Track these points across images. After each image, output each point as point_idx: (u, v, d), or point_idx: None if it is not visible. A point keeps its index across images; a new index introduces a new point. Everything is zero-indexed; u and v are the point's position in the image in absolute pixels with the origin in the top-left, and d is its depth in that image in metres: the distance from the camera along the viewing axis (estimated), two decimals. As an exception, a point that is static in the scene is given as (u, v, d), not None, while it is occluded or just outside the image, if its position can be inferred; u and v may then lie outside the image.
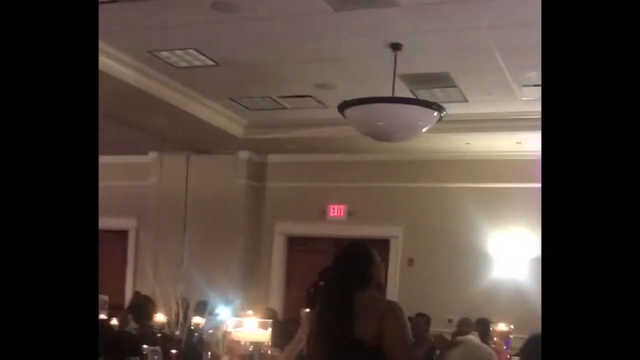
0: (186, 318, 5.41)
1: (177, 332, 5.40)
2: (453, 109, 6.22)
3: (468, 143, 8.28)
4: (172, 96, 7.08)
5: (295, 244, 9.99)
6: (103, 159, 9.36)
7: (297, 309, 8.97)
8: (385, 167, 9.19)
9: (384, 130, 5.68)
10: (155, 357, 4.84)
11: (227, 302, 8.77)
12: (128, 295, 9.70)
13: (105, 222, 11.02)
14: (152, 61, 6.32)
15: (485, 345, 2.43)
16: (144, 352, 4.95)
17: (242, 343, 1.62)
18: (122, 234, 10.65)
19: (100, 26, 4.75)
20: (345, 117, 5.71)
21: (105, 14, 5.24)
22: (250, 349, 1.56)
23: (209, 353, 3.79)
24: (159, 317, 5.19)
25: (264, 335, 1.63)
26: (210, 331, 5.07)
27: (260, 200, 9.92)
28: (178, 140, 8.97)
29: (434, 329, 7.74)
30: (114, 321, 7.37)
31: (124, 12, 5.23)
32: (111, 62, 6.13)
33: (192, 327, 5.41)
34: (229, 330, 1.67)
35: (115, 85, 6.44)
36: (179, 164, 9.75)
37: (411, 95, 6.67)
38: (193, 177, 9.72)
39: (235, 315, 8.49)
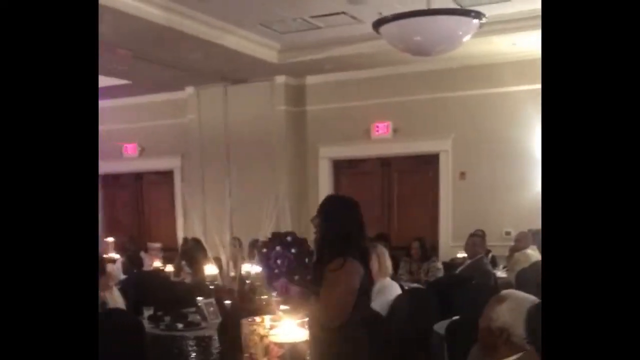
0: (237, 265, 5.39)
1: (232, 273, 5.40)
2: (494, 10, 5.89)
3: (514, 44, 7.91)
4: (202, 30, 6.94)
5: (340, 167, 9.86)
6: (141, 99, 9.44)
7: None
8: (429, 77, 8.83)
9: (423, 45, 5.43)
10: (211, 309, 4.87)
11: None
12: (181, 238, 9.79)
13: (151, 163, 11.25)
14: (178, -4, 6.13)
15: (531, 297, 2.32)
16: (199, 305, 5.00)
17: (280, 344, 1.50)
18: (168, 175, 10.69)
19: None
20: (380, 34, 5.46)
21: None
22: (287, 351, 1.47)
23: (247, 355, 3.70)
24: (211, 270, 5.17)
25: (303, 336, 1.50)
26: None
27: (302, 126, 9.73)
28: (213, 73, 8.82)
29: (492, 243, 7.65)
30: (169, 268, 7.50)
31: None
32: (137, 3, 6.04)
33: (244, 274, 5.40)
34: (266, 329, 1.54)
35: (143, 26, 6.40)
36: (216, 97, 9.60)
37: (449, 4, 6.33)
38: (231, 108, 9.57)
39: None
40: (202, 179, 9.82)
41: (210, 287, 5.22)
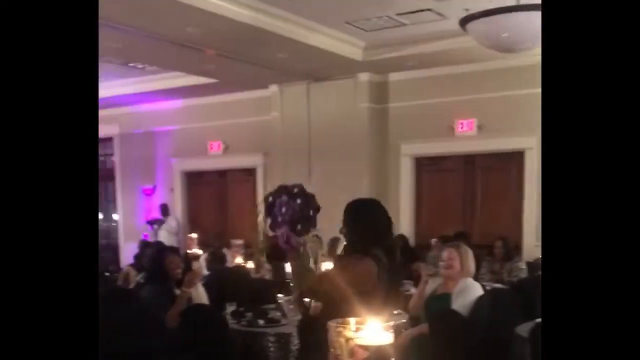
0: (317, 262, 5.40)
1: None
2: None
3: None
4: (289, 29, 7.01)
5: (423, 164, 9.73)
6: (227, 97, 9.64)
7: (428, 234, 8.93)
8: (514, 73, 8.58)
9: (510, 41, 5.32)
10: (290, 306, 4.89)
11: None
12: (261, 235, 9.90)
13: (234, 161, 11.47)
14: (267, -3, 6.22)
15: None
16: (279, 302, 5.04)
17: (365, 346, 1.48)
18: (250, 172, 10.84)
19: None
20: (466, 31, 5.36)
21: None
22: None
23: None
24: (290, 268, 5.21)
25: (388, 339, 1.49)
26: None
27: (384, 123, 9.67)
28: (297, 71, 8.89)
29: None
30: (250, 264, 7.61)
31: None
32: (224, 3, 6.16)
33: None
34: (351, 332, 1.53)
35: (230, 26, 6.51)
36: (299, 94, 9.67)
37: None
38: (314, 105, 9.62)
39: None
40: (283, 176, 9.91)
41: (291, 284, 5.26)
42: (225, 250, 9.12)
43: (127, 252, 10.87)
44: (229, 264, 8.41)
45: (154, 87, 10.09)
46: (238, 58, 7.88)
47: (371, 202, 3.30)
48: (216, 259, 8.50)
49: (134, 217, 12.11)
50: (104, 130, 12.14)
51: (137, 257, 8.99)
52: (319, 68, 8.78)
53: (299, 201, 2.99)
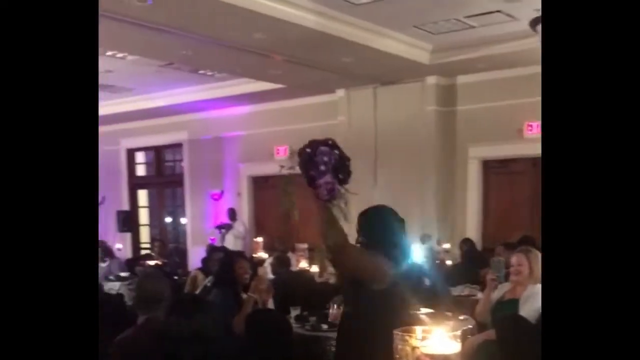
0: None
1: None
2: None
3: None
4: (355, 33, 7.00)
5: (490, 167, 9.55)
6: (293, 102, 9.68)
7: (495, 238, 8.74)
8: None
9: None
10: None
11: (424, 239, 8.71)
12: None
13: (300, 164, 11.31)
14: (332, 2, 6.24)
15: None
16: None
17: (431, 355, 1.45)
18: (317, 176, 10.87)
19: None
20: (537, 32, 5.24)
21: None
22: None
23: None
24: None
25: (455, 348, 1.45)
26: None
27: (452, 126, 9.54)
28: (364, 75, 8.87)
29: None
30: (315, 268, 7.62)
31: None
32: (292, 9, 6.21)
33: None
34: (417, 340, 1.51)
35: (298, 31, 6.55)
36: (366, 98, 9.65)
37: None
38: (381, 109, 9.57)
39: (433, 250, 8.43)
40: (349, 180, 9.90)
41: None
42: (290, 254, 9.16)
43: (195, 256, 11.06)
44: (293, 268, 8.45)
45: (222, 93, 10.25)
46: (305, 63, 7.92)
47: (387, 209, 3.36)
48: (281, 263, 8.55)
49: (202, 221, 12.33)
50: (173, 137, 12.45)
51: (204, 261, 9.13)
52: (386, 72, 8.74)
53: (336, 151, 2.97)
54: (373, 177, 9.44)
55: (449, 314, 5.14)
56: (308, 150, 2.94)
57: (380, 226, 3.23)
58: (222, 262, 5.59)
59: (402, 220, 3.30)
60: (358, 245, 3.22)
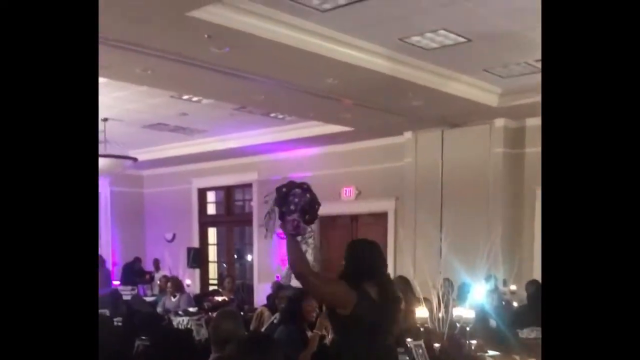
0: (447, 308, 5.34)
1: (440, 314, 5.38)
2: None
3: None
4: (426, 78, 7.10)
5: (560, 210, 9.41)
6: (360, 144, 9.78)
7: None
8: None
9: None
10: (420, 351, 4.87)
11: (490, 279, 8.62)
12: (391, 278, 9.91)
13: (365, 205, 11.55)
14: (403, 47, 6.37)
15: None
16: (408, 346, 5.02)
17: None
18: (381, 216, 10.93)
19: (350, 23, 4.77)
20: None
21: (359, 11, 5.51)
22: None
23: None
24: (422, 312, 5.20)
25: None
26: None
27: (519, 168, 9.46)
28: (432, 118, 8.95)
29: None
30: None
31: (374, 6, 5.37)
32: (363, 55, 6.36)
33: (454, 318, 5.33)
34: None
35: (368, 76, 6.69)
36: (433, 141, 9.71)
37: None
38: (448, 151, 9.61)
39: (498, 292, 8.32)
40: (414, 221, 9.93)
41: (421, 329, 5.26)
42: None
43: (261, 293, 11.20)
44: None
45: (291, 135, 10.50)
46: (374, 107, 8.07)
47: (369, 243, 3.77)
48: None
49: (268, 259, 12.50)
50: (244, 177, 12.75)
51: (270, 297, 9.26)
52: (455, 115, 8.80)
53: (308, 195, 3.41)
54: (438, 219, 9.44)
55: (517, 357, 5.09)
56: (284, 189, 3.40)
57: (356, 257, 3.62)
58: (291, 299, 5.70)
59: (382, 257, 3.74)
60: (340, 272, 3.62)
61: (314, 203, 3.45)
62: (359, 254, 3.66)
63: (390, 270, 11.05)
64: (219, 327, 3.72)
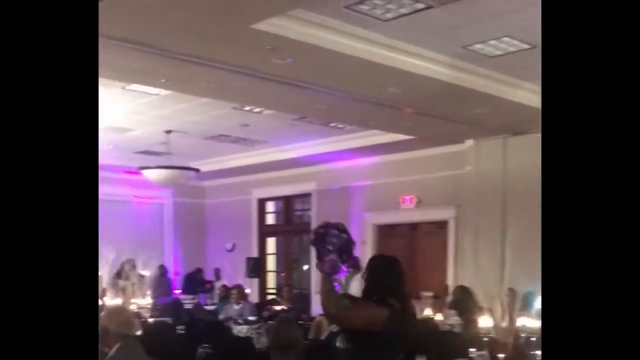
0: (512, 318, 5.25)
1: (504, 324, 5.29)
2: None
3: None
4: (489, 85, 7.05)
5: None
6: (421, 153, 9.69)
7: None
8: None
9: None
10: None
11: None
12: (451, 287, 9.81)
13: (425, 214, 11.44)
14: (466, 55, 6.34)
15: None
16: (471, 356, 4.94)
17: None
18: (442, 225, 10.83)
19: (412, 32, 4.79)
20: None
21: (422, 20, 5.50)
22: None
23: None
24: (486, 322, 5.12)
25: None
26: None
27: (585, 175, 9.26)
28: (495, 126, 8.84)
29: None
30: (439, 317, 7.55)
31: (436, 15, 5.38)
32: (426, 63, 6.37)
33: (519, 327, 5.23)
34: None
35: (430, 84, 6.67)
36: (495, 149, 9.57)
37: None
38: (510, 159, 9.45)
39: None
40: (476, 229, 9.79)
41: (484, 339, 5.18)
42: (414, 302, 9.11)
43: (318, 302, 11.21)
44: (418, 316, 8.40)
45: (351, 145, 10.53)
46: (436, 115, 8.02)
47: (391, 259, 3.88)
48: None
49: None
50: (303, 187, 12.83)
51: (327, 307, 9.25)
52: (517, 122, 8.67)
53: (344, 235, 3.51)
54: (500, 227, 9.28)
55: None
56: (321, 230, 3.52)
57: (379, 273, 3.72)
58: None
59: (402, 273, 3.78)
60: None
61: (350, 243, 3.58)
62: (382, 270, 3.77)
63: (450, 278, 10.98)
64: (280, 333, 3.77)
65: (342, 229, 3.55)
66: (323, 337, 6.54)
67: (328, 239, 3.49)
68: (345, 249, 3.55)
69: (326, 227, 3.54)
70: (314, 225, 12.70)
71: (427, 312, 8.13)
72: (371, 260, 3.87)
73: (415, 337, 6.33)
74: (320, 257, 3.52)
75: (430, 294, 9.21)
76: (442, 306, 8.58)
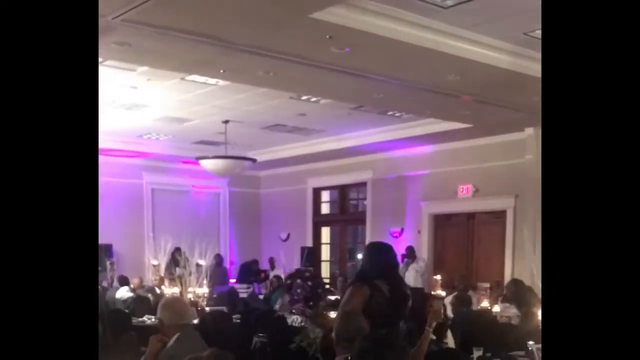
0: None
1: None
2: None
3: None
4: (549, 72, 6.86)
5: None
6: (479, 141, 9.57)
7: None
8: None
9: None
10: (541, 354, 4.72)
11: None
12: (507, 278, 9.67)
13: (483, 203, 11.30)
14: (528, 41, 6.21)
15: None
16: (530, 349, 4.87)
17: None
18: (500, 214, 10.66)
19: (473, 18, 4.79)
20: None
21: (483, 6, 5.40)
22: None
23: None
24: (544, 315, 5.04)
25: None
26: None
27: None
28: (555, 113, 8.64)
29: None
30: (496, 308, 7.45)
31: (497, 1, 5.33)
32: (486, 51, 6.28)
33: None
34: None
35: (490, 72, 6.58)
36: (556, 137, 9.37)
37: None
38: (572, 148, 9.25)
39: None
40: (536, 220, 9.61)
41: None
42: (471, 293, 9.04)
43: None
44: (474, 307, 8.32)
45: (408, 133, 10.45)
46: (495, 103, 7.89)
47: (384, 245, 4.27)
48: (462, 302, 8.45)
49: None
50: (358, 176, 12.82)
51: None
52: (579, 110, 8.47)
53: (309, 283, 3.93)
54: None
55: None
56: (288, 281, 4.11)
57: (371, 257, 4.12)
58: (415, 300, 5.68)
59: (395, 259, 4.24)
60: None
61: (316, 288, 4.32)
62: (374, 254, 4.12)
63: (508, 269, 10.79)
64: (348, 325, 3.73)
65: (307, 277, 3.94)
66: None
67: (294, 290, 3.92)
68: (311, 296, 3.95)
69: (293, 277, 3.93)
70: (369, 214, 12.75)
71: (484, 303, 8.05)
72: (367, 247, 4.31)
73: (472, 329, 6.29)
74: (290, 305, 3.98)
75: (487, 284, 9.12)
76: (498, 298, 8.48)
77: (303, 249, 13.73)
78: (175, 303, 4.01)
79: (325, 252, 14.51)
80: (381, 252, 4.18)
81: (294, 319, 8.50)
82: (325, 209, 14.35)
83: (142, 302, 9.26)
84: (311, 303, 3.82)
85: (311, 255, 13.79)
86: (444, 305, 7.42)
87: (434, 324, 4.83)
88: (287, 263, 13.30)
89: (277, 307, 9.58)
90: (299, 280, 3.86)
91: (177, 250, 10.92)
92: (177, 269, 10.55)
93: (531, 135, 9.70)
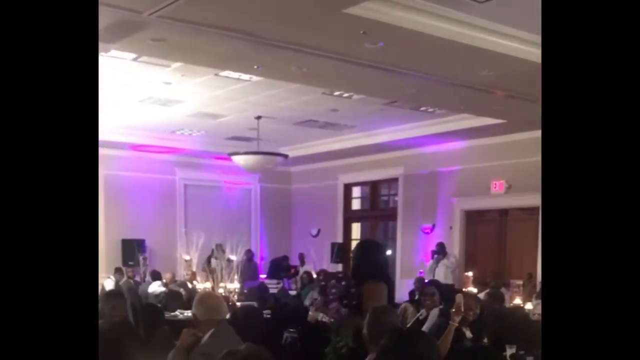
0: None
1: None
2: None
3: None
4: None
5: None
6: (512, 137, 9.49)
7: None
8: None
9: None
10: None
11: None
12: (540, 276, 9.56)
13: (516, 199, 11.13)
14: (562, 35, 6.11)
15: None
16: None
17: None
18: (533, 211, 10.54)
19: (508, 13, 4.75)
20: None
21: (518, 0, 5.35)
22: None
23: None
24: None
25: None
26: None
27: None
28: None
29: None
30: (529, 306, 7.38)
31: None
32: (521, 45, 6.21)
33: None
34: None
35: (525, 67, 6.51)
36: (591, 132, 9.25)
37: None
38: (608, 143, 9.11)
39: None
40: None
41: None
42: (503, 290, 8.97)
43: (402, 288, 11.18)
44: (507, 304, 8.25)
45: (440, 129, 10.41)
46: (528, 98, 7.80)
47: (376, 244, 4.51)
48: (495, 299, 8.39)
49: (411, 255, 12.46)
50: (390, 172, 12.79)
51: (412, 293, 9.19)
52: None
53: (343, 282, 4.02)
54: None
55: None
56: (322, 283, 4.08)
57: (362, 257, 4.13)
58: (446, 297, 5.66)
59: (384, 255, 4.39)
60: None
61: (350, 287, 4.04)
62: (366, 253, 4.12)
63: (539, 267, 10.65)
64: (378, 322, 3.68)
65: (340, 277, 3.99)
66: (409, 323, 6.53)
67: (328, 290, 3.96)
68: (345, 295, 4.02)
69: (325, 278, 3.99)
70: (400, 210, 12.71)
71: (517, 300, 7.98)
72: (357, 245, 4.42)
73: (504, 326, 6.24)
74: (324, 304, 4.00)
75: (520, 282, 9.04)
76: (530, 294, 8.40)
77: (333, 245, 13.75)
78: (210, 298, 4.00)
79: (356, 248, 14.49)
80: (378, 251, 4.25)
81: (322, 315, 8.53)
82: (356, 204, 14.34)
83: (175, 297, 9.36)
84: (345, 302, 3.82)
85: (341, 252, 13.80)
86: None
87: (457, 318, 4.82)
88: (317, 259, 13.33)
89: (307, 302, 9.63)
90: (333, 281, 3.96)
91: (219, 246, 11.04)
92: (213, 260, 10.67)
93: (566, 131, 9.59)
